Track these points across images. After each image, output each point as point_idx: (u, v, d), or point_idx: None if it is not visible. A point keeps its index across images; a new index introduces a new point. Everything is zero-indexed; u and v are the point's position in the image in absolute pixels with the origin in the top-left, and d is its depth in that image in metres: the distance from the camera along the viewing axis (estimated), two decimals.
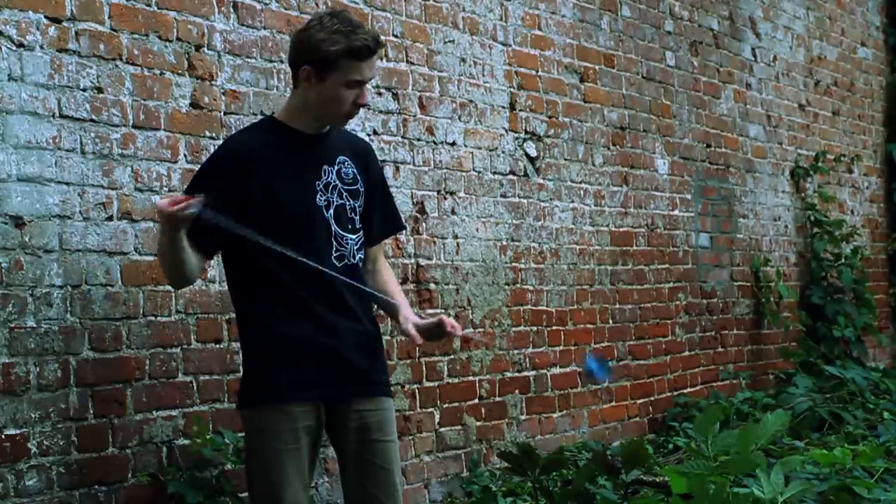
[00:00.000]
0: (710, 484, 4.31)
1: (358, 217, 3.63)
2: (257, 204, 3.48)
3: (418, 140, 5.57)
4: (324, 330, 3.51)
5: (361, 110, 5.19)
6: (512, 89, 6.20)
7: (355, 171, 3.65)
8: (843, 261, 9.02)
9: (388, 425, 3.63)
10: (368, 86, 3.59)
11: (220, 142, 4.49)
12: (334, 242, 3.54)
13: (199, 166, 4.42)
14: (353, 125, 5.09)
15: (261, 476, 3.52)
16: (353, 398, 3.57)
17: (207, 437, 4.29)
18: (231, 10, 4.67)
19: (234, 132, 4.46)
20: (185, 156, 4.43)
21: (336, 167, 3.61)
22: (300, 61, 3.53)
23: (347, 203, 3.60)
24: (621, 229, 6.97)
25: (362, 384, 3.58)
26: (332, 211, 3.55)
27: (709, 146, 7.90)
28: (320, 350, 3.50)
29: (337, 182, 3.60)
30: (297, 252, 3.40)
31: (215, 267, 4.49)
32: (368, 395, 3.59)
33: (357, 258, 3.61)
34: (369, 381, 3.61)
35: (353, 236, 3.59)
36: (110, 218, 4.14)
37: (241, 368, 4.18)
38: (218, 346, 4.52)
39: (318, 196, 3.55)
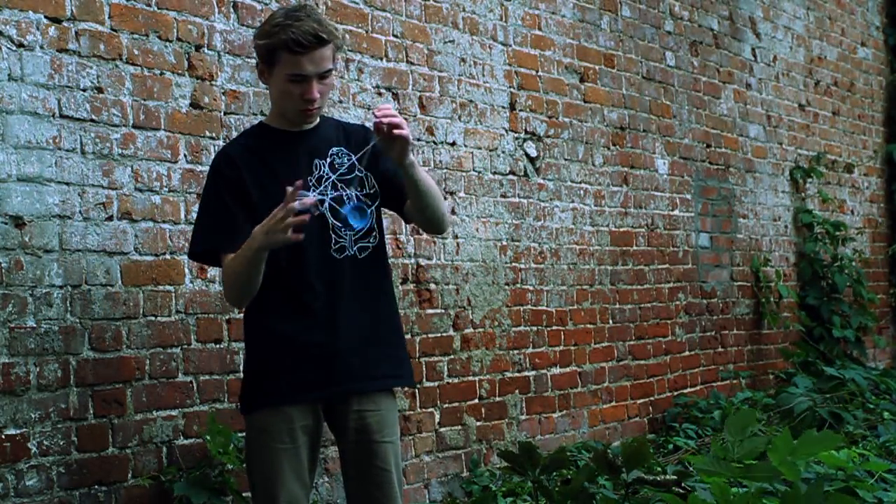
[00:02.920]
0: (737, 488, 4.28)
1: (368, 199, 3.61)
2: (256, 205, 3.49)
3: (418, 140, 5.57)
4: (324, 327, 3.50)
5: (362, 111, 5.22)
6: (512, 89, 6.20)
7: (353, 158, 3.63)
8: (838, 263, 9.03)
9: (389, 426, 3.62)
10: (325, 81, 3.52)
11: (221, 142, 4.50)
12: (332, 235, 3.53)
13: (197, 166, 4.45)
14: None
15: (259, 475, 3.53)
16: (353, 397, 3.57)
17: (217, 434, 4.26)
18: (231, 10, 4.67)
19: (234, 135, 4.47)
20: (185, 156, 4.43)
21: (328, 159, 3.60)
22: (256, 58, 3.58)
23: (344, 193, 3.59)
24: (621, 229, 6.97)
25: (361, 381, 3.57)
26: (326, 204, 3.55)
27: (709, 146, 7.90)
28: (319, 349, 3.50)
29: (330, 174, 3.59)
30: (294, 248, 3.42)
31: (215, 267, 4.48)
32: (368, 392, 3.58)
33: (356, 249, 3.58)
34: (369, 376, 3.59)
35: (355, 227, 3.58)
36: (110, 218, 4.14)
37: (241, 369, 4.19)
38: (218, 346, 4.52)
39: (311, 191, 3.54)
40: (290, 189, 3.32)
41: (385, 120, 3.40)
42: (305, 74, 3.47)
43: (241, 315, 3.80)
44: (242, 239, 3.47)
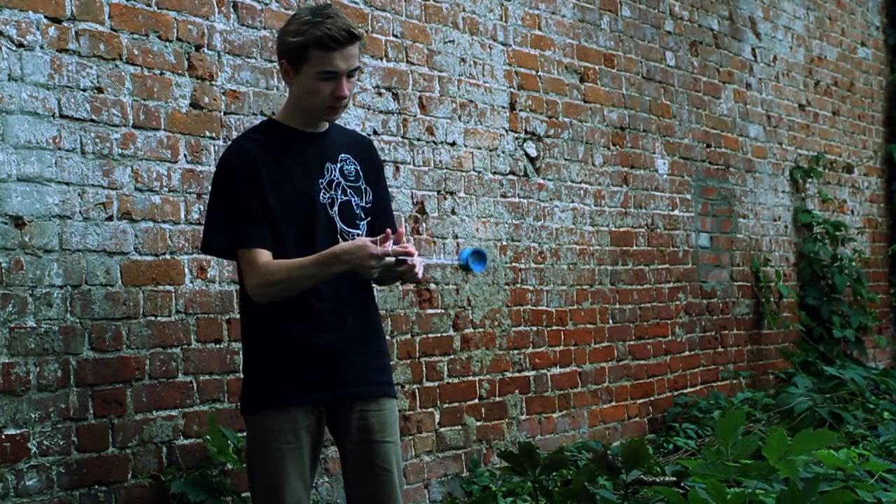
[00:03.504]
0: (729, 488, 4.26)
1: (363, 212, 3.63)
2: (270, 201, 3.49)
3: (418, 140, 5.57)
4: (328, 329, 3.51)
5: (362, 111, 5.22)
6: (512, 89, 6.20)
7: (358, 167, 3.66)
8: (838, 263, 9.03)
9: (390, 426, 3.62)
10: (352, 79, 3.55)
11: (221, 142, 4.50)
12: (340, 240, 3.54)
13: (197, 166, 4.44)
14: (353, 125, 5.09)
15: (262, 475, 3.53)
16: (357, 399, 3.57)
17: (217, 434, 4.26)
18: (231, 10, 4.67)
19: (234, 135, 4.47)
20: (185, 156, 4.43)
21: (339, 164, 3.62)
22: (279, 56, 3.59)
23: (352, 199, 3.60)
24: (621, 229, 6.97)
25: (364, 385, 3.58)
26: (336, 208, 3.56)
27: (709, 146, 7.90)
28: (323, 350, 3.50)
29: (340, 179, 3.60)
30: (303, 251, 3.43)
31: (215, 267, 4.49)
32: (370, 396, 3.59)
33: None
34: (372, 381, 3.60)
35: (360, 232, 3.59)
36: (110, 218, 4.14)
37: (240, 369, 4.19)
38: (218, 346, 4.52)
39: (322, 194, 3.55)
40: (388, 233, 3.44)
41: (419, 276, 3.55)
42: (337, 71, 3.47)
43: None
44: (266, 233, 3.47)
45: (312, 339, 3.49)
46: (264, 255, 3.47)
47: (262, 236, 3.48)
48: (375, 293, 3.77)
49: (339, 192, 3.58)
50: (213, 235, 3.57)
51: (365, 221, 3.63)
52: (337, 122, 3.73)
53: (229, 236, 3.52)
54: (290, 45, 3.50)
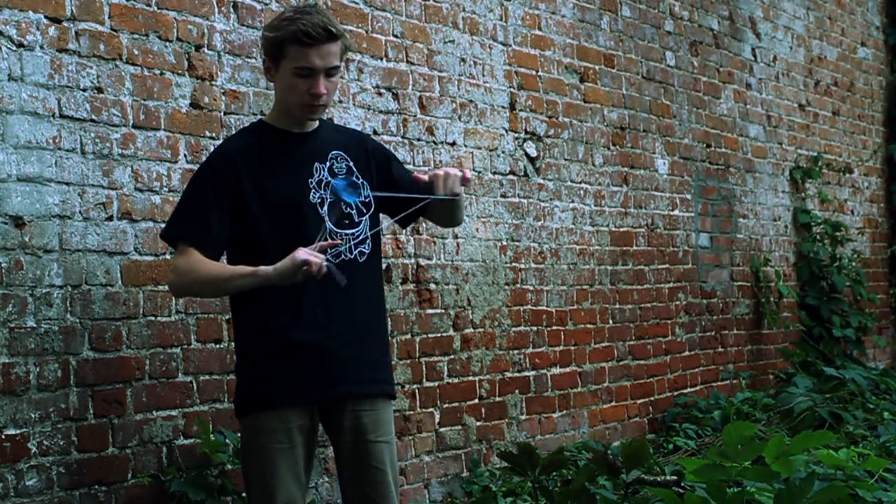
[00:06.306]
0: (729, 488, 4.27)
1: (362, 207, 3.62)
2: (251, 204, 3.49)
3: (418, 140, 5.57)
4: (315, 326, 3.50)
5: (362, 111, 5.22)
6: (512, 89, 6.20)
7: (350, 164, 3.64)
8: (837, 263, 9.03)
9: (384, 425, 3.62)
10: (332, 79, 3.54)
11: (220, 142, 4.50)
12: (329, 239, 3.53)
13: (197, 166, 4.44)
14: (353, 125, 5.09)
15: (256, 475, 3.53)
16: (349, 398, 3.57)
17: (211, 437, 4.28)
18: (231, 10, 4.67)
19: (230, 134, 4.47)
20: (185, 156, 4.43)
21: (328, 163, 3.61)
22: (262, 54, 3.61)
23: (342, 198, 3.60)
24: (621, 229, 6.97)
25: (358, 384, 3.58)
26: (325, 208, 3.56)
27: (709, 146, 7.90)
28: (310, 349, 3.50)
29: (330, 178, 3.59)
30: (290, 251, 3.43)
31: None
32: (363, 395, 3.59)
33: (357, 252, 3.59)
34: (364, 379, 3.60)
35: (352, 231, 3.58)
36: (110, 218, 4.14)
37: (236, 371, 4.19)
38: (218, 346, 4.52)
39: (311, 194, 3.55)
40: (327, 243, 3.43)
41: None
42: (313, 68, 3.48)
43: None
44: (213, 238, 3.48)
45: (299, 337, 3.49)
46: (195, 255, 3.48)
47: (206, 238, 3.49)
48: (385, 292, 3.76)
49: (329, 192, 3.58)
50: (166, 226, 3.67)
51: (366, 217, 3.62)
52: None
53: (177, 230, 3.58)
54: (269, 40, 3.53)
